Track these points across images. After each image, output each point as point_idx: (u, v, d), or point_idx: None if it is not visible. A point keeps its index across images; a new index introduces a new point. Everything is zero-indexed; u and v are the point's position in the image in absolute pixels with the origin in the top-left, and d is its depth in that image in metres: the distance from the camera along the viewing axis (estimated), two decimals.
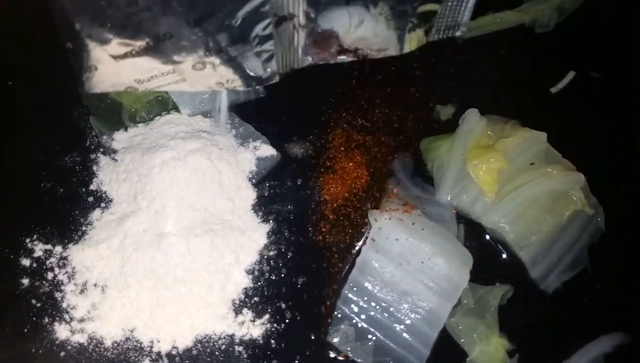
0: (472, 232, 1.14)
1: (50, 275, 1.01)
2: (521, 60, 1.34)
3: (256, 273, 1.06)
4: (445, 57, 1.32)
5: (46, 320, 0.98)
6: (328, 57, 0.99)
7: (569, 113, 1.28)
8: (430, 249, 1.05)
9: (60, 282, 1.01)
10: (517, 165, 1.13)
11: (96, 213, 1.07)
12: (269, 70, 0.96)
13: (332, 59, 1.01)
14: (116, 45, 0.87)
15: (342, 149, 1.22)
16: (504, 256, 1.12)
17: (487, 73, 1.33)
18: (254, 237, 1.08)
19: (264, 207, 1.12)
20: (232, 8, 0.82)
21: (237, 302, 1.03)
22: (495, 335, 1.04)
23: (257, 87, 1.18)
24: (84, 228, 1.06)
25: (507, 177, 1.12)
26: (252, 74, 0.97)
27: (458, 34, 0.88)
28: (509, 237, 1.10)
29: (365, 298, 1.04)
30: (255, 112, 1.22)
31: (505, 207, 1.11)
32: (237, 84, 1.01)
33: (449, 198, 1.14)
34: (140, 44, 0.86)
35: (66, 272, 1.02)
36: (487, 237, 1.14)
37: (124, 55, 0.89)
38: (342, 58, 1.01)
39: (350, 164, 1.21)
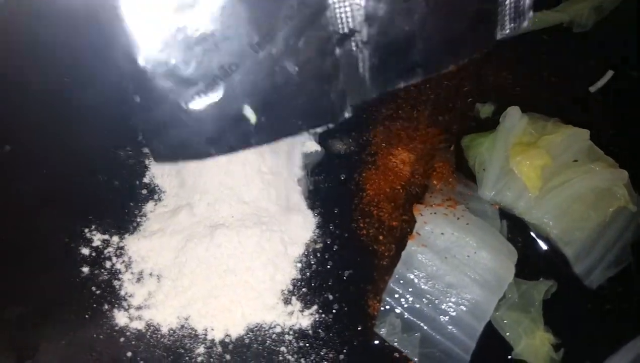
0: (515, 228, 1.13)
1: (108, 264, 1.03)
2: (559, 59, 1.34)
3: (303, 265, 1.07)
4: (483, 57, 1.32)
5: (106, 307, 1.00)
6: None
7: (609, 111, 1.28)
8: (475, 243, 1.05)
9: (118, 271, 1.02)
10: (560, 162, 1.13)
11: (149, 206, 1.09)
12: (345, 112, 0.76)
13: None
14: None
15: (384, 145, 1.23)
16: (548, 252, 1.12)
17: (526, 72, 1.33)
18: (300, 230, 1.09)
19: (309, 201, 1.13)
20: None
21: (285, 292, 1.04)
22: (540, 329, 1.04)
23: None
24: (138, 219, 1.08)
25: (551, 173, 1.12)
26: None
27: (525, 24, 0.79)
28: (553, 232, 1.10)
29: (411, 290, 1.04)
30: None
31: (549, 203, 1.11)
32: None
33: (492, 195, 1.15)
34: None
35: (123, 262, 1.04)
36: (531, 232, 1.14)
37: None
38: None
39: (393, 160, 1.21)
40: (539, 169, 1.12)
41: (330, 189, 1.16)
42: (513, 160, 1.13)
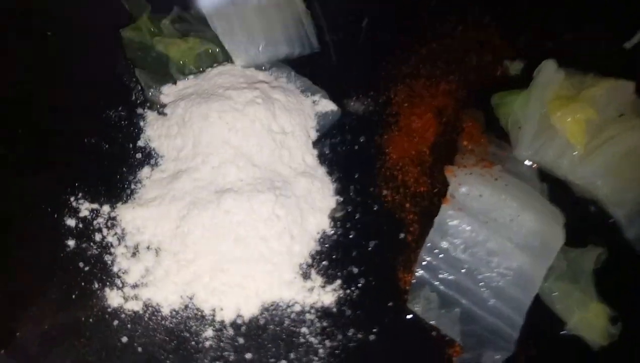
0: (557, 190, 1.00)
1: (98, 237, 0.88)
2: (592, 14, 1.21)
3: (323, 235, 0.93)
4: (511, 11, 1.20)
5: (96, 285, 0.85)
6: None
7: None
8: (518, 206, 0.92)
9: (109, 244, 0.88)
10: (604, 116, 1.00)
11: (145, 171, 0.95)
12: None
13: None
14: None
15: (406, 105, 1.09)
16: (595, 215, 0.99)
17: (556, 28, 1.20)
18: (319, 196, 0.95)
19: (327, 165, 0.99)
20: None
21: (304, 266, 0.90)
22: (593, 300, 0.91)
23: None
24: (132, 186, 0.93)
25: (595, 128, 1.00)
26: None
27: None
28: (601, 193, 0.98)
29: (447, 260, 0.91)
30: (311, 67, 1.09)
31: (596, 161, 0.98)
32: None
33: (529, 154, 1.02)
34: None
35: (115, 234, 0.89)
36: (575, 194, 1.00)
37: None
38: None
39: (417, 121, 1.08)
40: (583, 124, 0.99)
41: (348, 152, 1.02)
42: (553, 115, 1.00)
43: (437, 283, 0.90)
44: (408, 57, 1.14)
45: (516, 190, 0.94)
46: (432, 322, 0.88)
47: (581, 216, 0.98)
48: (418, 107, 1.09)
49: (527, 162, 1.03)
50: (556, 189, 1.00)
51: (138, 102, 1.01)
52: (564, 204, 0.97)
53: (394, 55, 1.13)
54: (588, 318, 0.90)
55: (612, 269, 0.93)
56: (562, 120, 0.99)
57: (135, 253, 0.87)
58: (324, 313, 0.87)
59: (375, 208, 0.97)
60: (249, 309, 0.85)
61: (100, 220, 0.90)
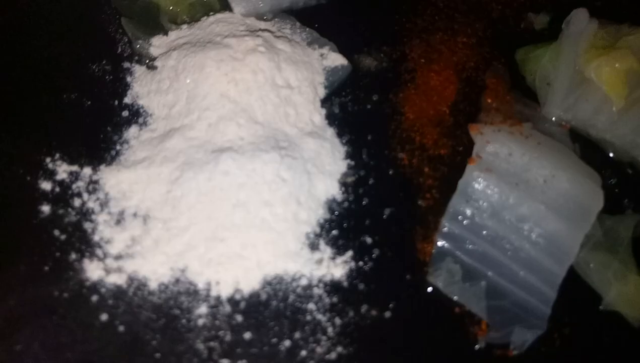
0: (592, 152, 0.89)
1: (77, 202, 0.78)
2: None
3: (333, 202, 0.82)
4: None
5: (73, 256, 0.74)
6: None
7: None
8: (552, 166, 0.81)
9: (90, 211, 0.77)
10: None
11: (133, 131, 0.84)
12: None
13: None
14: None
15: (423, 61, 0.98)
16: (634, 179, 0.88)
17: None
18: (328, 160, 0.84)
19: (336, 126, 0.88)
20: None
21: (312, 235, 0.80)
22: (633, 272, 0.82)
23: None
24: (118, 147, 0.82)
25: (636, 80, 0.88)
26: None
27: None
28: None
29: (472, 228, 0.81)
30: (317, 19, 0.98)
31: (636, 117, 0.87)
32: None
33: (560, 113, 0.91)
34: None
35: (97, 199, 0.78)
36: (612, 156, 0.89)
37: None
38: None
39: (435, 78, 0.97)
40: (623, 74, 0.88)
41: (360, 112, 0.91)
42: (589, 66, 0.89)
43: (460, 253, 0.81)
44: (424, 8, 1.02)
45: (549, 149, 0.84)
46: (455, 297, 0.78)
47: (618, 180, 0.88)
48: (436, 63, 0.98)
49: (557, 121, 0.91)
50: (590, 150, 0.90)
51: (125, 55, 0.91)
52: (599, 167, 0.87)
53: (409, 5, 1.01)
54: (627, 293, 0.80)
55: None
56: (599, 70, 0.88)
57: (119, 220, 0.77)
58: (333, 287, 0.76)
59: (390, 173, 0.87)
60: (249, 283, 0.75)
61: (80, 183, 0.79)
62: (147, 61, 0.89)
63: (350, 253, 0.80)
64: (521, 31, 1.03)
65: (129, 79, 0.88)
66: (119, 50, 0.91)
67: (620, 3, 1.03)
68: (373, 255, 0.80)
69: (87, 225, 0.76)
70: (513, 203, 0.80)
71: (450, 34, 1.01)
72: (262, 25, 0.91)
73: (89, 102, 0.86)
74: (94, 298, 0.72)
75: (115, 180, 0.78)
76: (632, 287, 0.81)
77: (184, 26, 0.91)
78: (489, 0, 1.05)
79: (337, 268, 0.78)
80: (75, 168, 0.80)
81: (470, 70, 0.98)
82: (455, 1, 1.04)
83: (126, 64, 0.90)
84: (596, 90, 0.89)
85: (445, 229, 0.81)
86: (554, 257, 0.79)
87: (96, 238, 0.76)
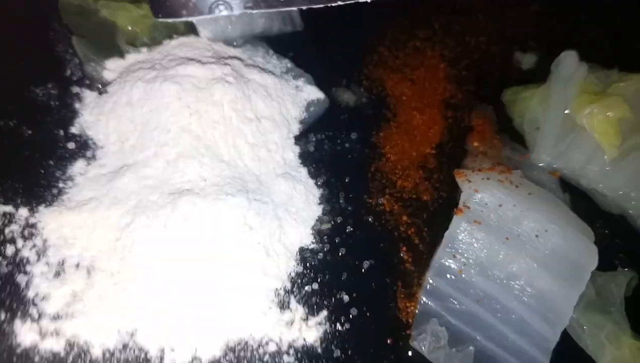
0: (582, 202, 0.83)
1: (10, 250, 0.66)
2: (606, 6, 1.07)
3: (307, 252, 0.73)
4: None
5: (2, 316, 0.62)
6: None
7: None
8: (545, 219, 0.75)
9: (24, 261, 0.66)
10: (638, 115, 0.85)
11: (79, 166, 0.74)
12: None
13: None
14: None
15: (404, 98, 0.92)
16: (625, 233, 0.84)
17: (569, 18, 1.05)
18: (301, 204, 0.76)
19: (312, 165, 0.80)
20: None
21: (281, 292, 0.71)
22: (627, 334, 0.77)
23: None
24: (61, 184, 0.72)
25: (628, 129, 0.84)
26: None
27: None
28: (632, 206, 0.83)
29: (459, 286, 0.74)
30: (292, 47, 0.90)
31: (630, 168, 0.83)
32: None
33: (550, 160, 0.86)
34: None
35: (34, 246, 0.68)
36: (601, 207, 0.84)
37: None
38: None
39: (418, 116, 0.90)
40: (616, 123, 0.83)
41: (338, 151, 0.84)
42: (580, 113, 0.85)
43: (446, 313, 0.74)
44: (406, 40, 0.96)
45: (541, 201, 0.78)
46: None
47: (609, 234, 0.83)
48: (419, 100, 0.91)
49: (547, 169, 0.86)
50: (579, 201, 0.84)
51: (74, 78, 0.81)
52: (589, 218, 0.81)
53: (391, 37, 0.95)
54: (622, 357, 0.75)
55: None
56: (591, 118, 0.84)
57: (59, 272, 0.67)
58: (306, 354, 0.68)
59: (369, 220, 0.79)
60: (209, 350, 0.66)
61: (14, 227, 0.69)
62: (99, 86, 0.80)
63: (324, 313, 0.71)
64: (509, 70, 0.98)
65: (77, 105, 0.79)
66: (68, 72, 0.82)
67: (606, 47, 0.99)
68: (350, 315, 0.72)
69: (20, 278, 0.66)
70: (503, 259, 0.74)
71: (433, 72, 0.95)
72: (231, 51, 0.82)
73: (29, 131, 0.76)
74: None
75: (56, 224, 0.68)
76: (627, 351, 0.76)
77: (143, 49, 0.81)
78: (475, 35, 1.00)
79: (310, 331, 0.69)
80: (8, 208, 0.71)
81: (455, 109, 0.92)
82: (440, 35, 0.99)
83: (75, 89, 0.81)
84: (588, 138, 0.85)
85: (430, 286, 0.74)
86: (547, 320, 0.73)
87: (31, 294, 0.65)
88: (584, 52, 0.93)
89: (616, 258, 0.82)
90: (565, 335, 0.74)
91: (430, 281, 0.75)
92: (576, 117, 0.85)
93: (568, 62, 0.91)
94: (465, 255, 0.75)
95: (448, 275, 0.74)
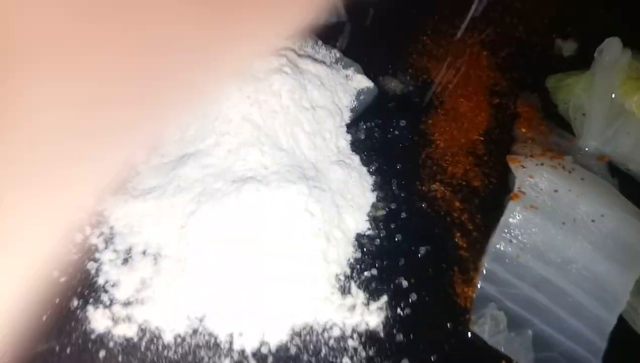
0: (631, 186, 0.83)
1: (78, 238, 0.66)
2: None
3: (364, 238, 0.73)
4: None
5: (75, 303, 0.63)
6: None
7: None
8: (600, 204, 0.75)
9: (93, 248, 0.66)
10: None
11: (140, 155, 0.73)
12: None
13: None
14: None
15: (451, 85, 0.91)
16: None
17: (606, 7, 1.04)
18: (356, 191, 0.75)
19: (364, 153, 0.80)
20: None
21: (342, 277, 0.70)
22: None
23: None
24: (124, 173, 0.71)
25: None
26: None
27: None
28: None
29: (516, 271, 0.73)
30: (338, 37, 0.89)
31: None
32: None
33: (598, 145, 0.85)
34: None
35: (101, 234, 0.67)
36: None
37: None
38: None
39: (465, 103, 0.90)
40: None
41: (388, 139, 0.83)
42: (629, 98, 0.84)
43: (503, 298, 0.72)
44: (448, 30, 0.96)
45: (594, 186, 0.78)
46: (501, 349, 0.69)
47: None
48: (465, 88, 0.91)
49: (595, 154, 0.85)
50: (628, 185, 0.84)
51: None
52: (638, 203, 0.81)
53: (433, 26, 0.95)
54: None
55: None
56: None
57: (127, 259, 0.66)
58: (369, 338, 0.67)
59: (422, 206, 0.78)
60: (276, 334, 0.65)
61: (81, 215, 0.67)
62: None
63: (385, 298, 0.71)
64: (551, 58, 0.97)
65: None
66: None
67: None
68: (410, 300, 0.71)
69: (90, 265, 0.65)
70: (560, 244, 0.74)
71: (477, 60, 0.95)
72: (284, 42, 0.82)
73: None
74: (101, 354, 0.60)
75: (122, 212, 0.68)
76: None
77: None
78: (515, 24, 0.99)
79: (372, 316, 0.69)
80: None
81: (500, 96, 0.92)
82: (480, 27, 0.98)
83: None
84: (637, 123, 0.84)
85: (487, 271, 0.74)
86: (604, 303, 0.73)
87: (101, 281, 0.65)
88: (626, 38, 0.92)
89: None
90: (621, 320, 0.74)
91: (487, 266, 0.75)
92: (624, 103, 0.85)
93: (612, 49, 0.90)
94: (522, 239, 0.75)
95: (505, 260, 0.74)
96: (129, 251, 0.67)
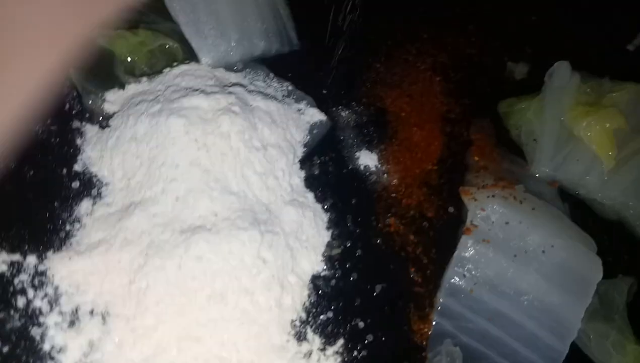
0: (582, 212, 0.84)
1: (21, 302, 0.63)
2: (592, 16, 1.06)
3: (319, 281, 0.72)
4: (512, 9, 1.03)
5: None
6: None
7: None
8: (549, 234, 0.76)
9: (37, 312, 0.63)
10: (631, 124, 0.86)
11: (85, 206, 0.70)
12: None
13: None
14: None
15: (403, 114, 0.90)
16: (624, 240, 0.85)
17: (558, 30, 1.04)
18: (311, 231, 0.74)
19: (319, 189, 0.79)
20: None
21: (298, 323, 0.69)
22: (631, 341, 0.78)
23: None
24: (67, 227, 0.69)
25: (624, 139, 0.84)
26: None
27: None
28: (630, 214, 0.83)
29: (470, 304, 0.75)
30: (290, 68, 0.88)
31: (627, 177, 0.84)
32: None
33: (549, 171, 0.85)
34: None
35: (46, 295, 0.64)
36: (600, 216, 0.85)
37: None
38: None
39: (418, 132, 0.89)
40: (611, 134, 0.83)
41: (342, 173, 0.82)
42: (577, 125, 0.85)
43: (459, 333, 0.73)
44: (401, 56, 0.95)
45: (544, 215, 0.79)
46: None
47: (608, 242, 0.83)
48: (419, 116, 0.90)
49: (546, 180, 0.86)
50: (579, 210, 0.85)
51: (73, 112, 0.76)
52: (589, 227, 0.82)
53: (385, 53, 0.94)
54: None
55: None
56: (588, 130, 0.84)
57: (74, 321, 0.63)
58: None
59: (377, 242, 0.78)
60: None
61: (23, 277, 0.65)
62: (101, 120, 0.76)
63: (341, 341, 0.70)
64: (502, 81, 0.97)
65: (78, 141, 0.75)
66: (67, 106, 0.77)
67: (592, 57, 0.99)
68: (366, 341, 0.71)
69: (35, 331, 0.63)
70: (512, 276, 0.75)
71: (429, 86, 0.94)
72: (233, 77, 0.80)
73: (31, 172, 0.71)
74: None
75: (67, 271, 0.65)
76: (632, 358, 0.77)
77: (144, 79, 0.78)
78: (468, 47, 0.99)
79: (329, 361, 0.68)
80: (16, 257, 0.66)
81: (453, 123, 0.91)
82: (432, 52, 0.97)
83: (75, 123, 0.76)
84: (585, 150, 0.85)
85: (442, 307, 0.74)
86: (557, 332, 0.74)
87: (46, 347, 0.62)
88: (575, 59, 0.92)
89: (616, 265, 0.83)
90: (573, 346, 0.75)
91: (442, 301, 0.75)
92: (573, 128, 0.86)
93: (561, 73, 0.90)
94: (475, 274, 0.75)
95: (460, 295, 0.74)
96: (75, 312, 0.64)
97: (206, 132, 0.69)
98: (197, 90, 0.72)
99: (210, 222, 0.68)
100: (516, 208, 0.78)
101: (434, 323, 0.74)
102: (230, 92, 0.74)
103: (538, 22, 1.04)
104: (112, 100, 0.76)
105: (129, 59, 0.78)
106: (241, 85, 0.78)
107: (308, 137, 0.81)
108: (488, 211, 0.76)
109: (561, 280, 0.74)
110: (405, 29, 0.97)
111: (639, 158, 0.84)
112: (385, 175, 0.84)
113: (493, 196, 0.78)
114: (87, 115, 0.76)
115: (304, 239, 0.73)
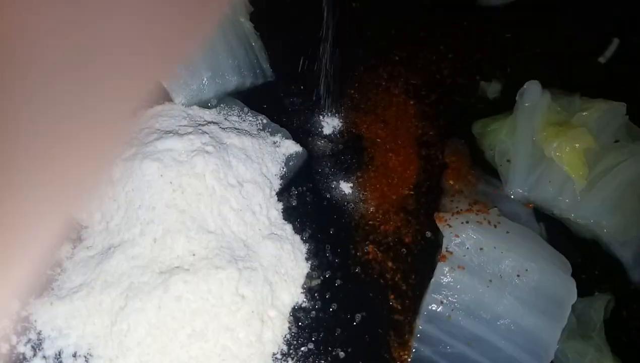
0: (556, 231, 0.86)
1: (4, 348, 0.64)
2: (562, 29, 1.08)
3: (299, 313, 0.74)
4: (483, 28, 1.05)
5: None
6: None
7: (624, 82, 1.03)
8: (524, 258, 0.77)
9: (21, 357, 0.64)
10: (601, 143, 0.87)
11: (65, 250, 0.71)
12: None
13: None
14: None
15: (378, 140, 0.92)
16: (599, 258, 0.86)
17: (528, 46, 1.06)
18: (290, 264, 0.76)
19: (297, 221, 0.80)
20: None
21: (279, 356, 0.70)
22: (609, 359, 0.79)
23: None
24: (49, 272, 0.70)
25: (594, 158, 0.86)
26: None
27: None
28: (604, 232, 0.85)
29: (448, 330, 0.75)
30: (265, 99, 0.90)
31: (598, 196, 0.85)
32: None
33: (523, 192, 0.87)
34: None
35: (29, 341, 0.65)
36: (574, 234, 0.87)
37: None
38: None
39: (393, 158, 0.91)
40: (582, 154, 0.85)
41: (319, 202, 0.83)
42: (548, 145, 0.86)
43: (439, 359, 0.74)
44: (373, 80, 0.97)
45: (519, 238, 0.80)
46: None
47: (583, 260, 0.85)
48: (394, 141, 0.92)
49: (521, 201, 0.88)
50: (554, 230, 0.87)
51: None
52: (564, 248, 0.83)
53: (359, 79, 0.95)
54: None
55: (622, 318, 0.81)
56: (559, 151, 0.86)
57: None
58: None
59: (356, 271, 0.79)
60: None
61: (6, 323, 0.66)
62: None
63: None
64: (475, 101, 0.99)
65: None
66: None
67: (563, 71, 1.01)
68: None
69: None
70: (488, 301, 0.76)
71: (403, 110, 0.96)
72: (207, 115, 0.81)
73: None
74: None
75: (49, 316, 0.66)
76: None
77: None
78: (440, 67, 1.01)
79: None
80: None
81: (428, 146, 0.93)
82: (404, 75, 0.99)
83: None
84: (557, 170, 0.86)
85: (421, 333, 0.76)
86: (534, 354, 0.75)
87: None
88: (547, 75, 0.94)
89: (592, 283, 0.84)
90: None
91: (421, 327, 0.76)
92: (545, 149, 0.87)
93: (531, 92, 0.91)
94: (452, 300, 0.76)
95: (437, 321, 0.76)
96: (58, 355, 0.65)
97: (181, 173, 0.70)
98: (170, 131, 0.74)
99: (188, 262, 0.69)
100: (490, 233, 0.79)
101: (413, 350, 0.75)
102: (204, 132, 0.75)
103: (510, 39, 1.06)
104: None
105: None
106: (215, 122, 0.79)
107: (284, 169, 0.83)
108: (462, 237, 0.78)
109: (536, 303, 0.76)
110: (377, 51, 0.99)
111: (609, 177, 0.85)
112: (362, 202, 0.85)
113: (467, 222, 0.79)
114: None
115: (283, 272, 0.75)
